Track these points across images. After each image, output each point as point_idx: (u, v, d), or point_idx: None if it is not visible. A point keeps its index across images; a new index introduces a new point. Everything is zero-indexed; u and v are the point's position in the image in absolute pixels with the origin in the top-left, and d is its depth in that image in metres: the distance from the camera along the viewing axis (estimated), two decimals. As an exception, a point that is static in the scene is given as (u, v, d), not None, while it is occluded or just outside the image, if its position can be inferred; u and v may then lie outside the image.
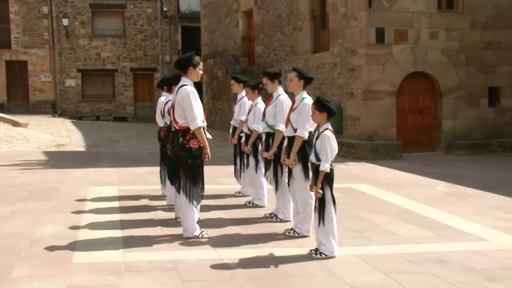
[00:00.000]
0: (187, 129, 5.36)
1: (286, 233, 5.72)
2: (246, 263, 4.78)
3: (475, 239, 5.77)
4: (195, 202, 5.46)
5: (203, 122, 5.40)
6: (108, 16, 27.67)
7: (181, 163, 5.45)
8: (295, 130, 5.55)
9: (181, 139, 5.37)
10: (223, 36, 21.63)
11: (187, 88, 5.36)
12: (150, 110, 27.20)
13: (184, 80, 5.45)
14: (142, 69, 28.07)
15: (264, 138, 6.55)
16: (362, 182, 9.15)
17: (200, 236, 5.51)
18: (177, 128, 5.45)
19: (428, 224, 6.35)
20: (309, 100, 5.54)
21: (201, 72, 5.57)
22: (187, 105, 5.30)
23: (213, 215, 6.55)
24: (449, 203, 7.56)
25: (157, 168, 7.56)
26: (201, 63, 5.60)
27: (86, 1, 27.18)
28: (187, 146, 5.36)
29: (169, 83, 6.83)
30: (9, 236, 5.52)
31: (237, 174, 7.75)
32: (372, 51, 12.67)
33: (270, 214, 6.48)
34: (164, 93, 7.05)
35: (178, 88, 5.42)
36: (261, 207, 7.04)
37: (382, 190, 8.46)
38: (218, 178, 9.13)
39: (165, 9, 27.92)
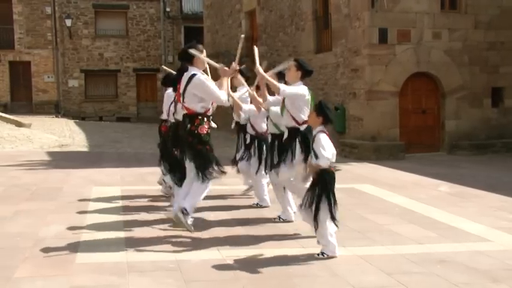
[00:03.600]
0: (195, 115, 5.38)
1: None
2: (249, 264, 4.78)
3: (478, 239, 5.76)
4: (208, 179, 5.46)
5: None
6: (111, 16, 27.72)
7: (191, 150, 5.43)
8: (293, 119, 5.62)
9: (189, 125, 5.38)
10: (226, 37, 21.64)
11: (200, 76, 5.40)
12: (153, 110, 27.27)
13: (192, 69, 5.46)
14: (145, 70, 28.11)
15: (270, 139, 6.49)
16: (365, 183, 9.14)
17: (188, 222, 5.49)
18: (185, 113, 5.43)
19: (431, 224, 6.34)
20: (303, 88, 5.59)
21: (204, 60, 5.59)
22: (206, 89, 5.35)
23: (216, 216, 6.55)
24: (452, 204, 7.55)
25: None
26: (204, 50, 5.63)
27: (89, 2, 27.24)
28: (196, 132, 5.38)
29: (173, 81, 6.81)
30: (12, 236, 5.53)
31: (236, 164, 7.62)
32: (374, 52, 12.66)
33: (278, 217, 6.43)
34: (169, 89, 7.03)
35: (190, 77, 5.39)
36: (265, 207, 7.03)
37: (385, 190, 8.45)
38: (222, 179, 9.10)
39: (168, 9, 27.96)
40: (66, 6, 27.01)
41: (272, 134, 6.37)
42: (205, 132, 5.41)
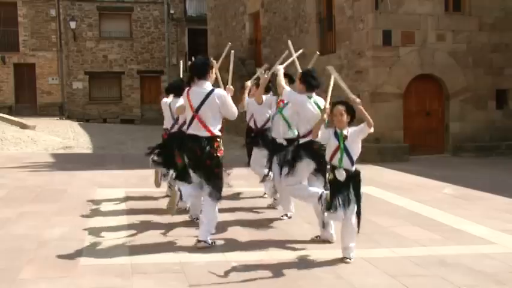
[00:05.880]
0: (215, 137, 5.32)
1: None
2: (253, 266, 4.78)
3: (483, 242, 5.75)
4: (218, 203, 5.44)
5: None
6: (115, 19, 27.78)
7: (208, 172, 5.35)
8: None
9: (208, 147, 5.29)
10: (229, 39, 21.62)
11: (220, 90, 5.43)
12: (157, 112, 27.10)
13: (206, 83, 5.39)
14: (149, 72, 28.15)
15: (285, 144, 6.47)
16: (369, 185, 9.10)
17: (212, 243, 5.42)
18: (203, 134, 5.32)
19: (435, 226, 6.33)
20: (300, 98, 5.66)
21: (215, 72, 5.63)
22: (225, 104, 5.34)
23: (221, 218, 6.50)
24: (456, 206, 7.53)
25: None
26: (215, 62, 5.66)
27: (93, 4, 27.30)
28: (215, 155, 5.32)
29: (179, 89, 6.83)
30: (17, 237, 5.54)
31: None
32: (378, 54, 12.65)
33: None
34: (169, 97, 7.04)
35: (210, 92, 5.32)
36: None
37: (389, 193, 8.44)
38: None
39: (171, 11, 28.00)
40: (71, 8, 27.09)
41: (287, 140, 6.35)
42: (222, 154, 5.39)
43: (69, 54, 27.24)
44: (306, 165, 5.54)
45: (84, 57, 27.42)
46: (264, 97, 6.82)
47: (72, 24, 26.69)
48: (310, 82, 5.72)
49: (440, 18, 13.06)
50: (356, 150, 5.00)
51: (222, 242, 5.51)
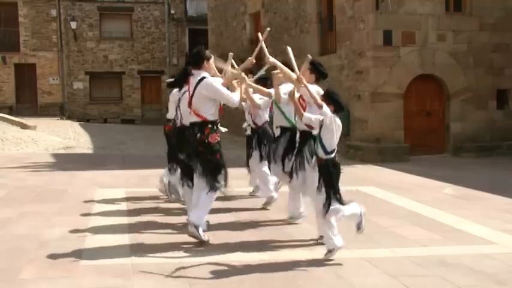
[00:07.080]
0: (205, 123, 5.28)
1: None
2: (253, 266, 4.78)
3: (483, 242, 5.74)
4: (216, 189, 5.34)
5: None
6: (115, 19, 27.80)
7: (201, 160, 5.33)
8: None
9: (199, 134, 5.27)
10: (230, 39, 21.66)
11: (209, 78, 5.32)
12: (158, 112, 27.27)
13: (201, 73, 5.36)
14: (149, 72, 28.16)
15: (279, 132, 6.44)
16: (370, 185, 9.13)
17: (201, 233, 5.34)
18: (194, 120, 5.32)
19: (436, 226, 6.33)
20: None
21: (213, 65, 5.54)
22: (216, 90, 5.24)
23: (221, 218, 6.54)
24: (457, 206, 7.53)
25: (164, 171, 7.56)
26: (212, 56, 5.53)
27: (94, 4, 27.33)
28: (206, 141, 5.26)
29: (179, 82, 6.83)
30: (17, 237, 5.54)
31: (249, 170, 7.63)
32: (379, 54, 12.65)
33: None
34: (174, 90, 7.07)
35: (200, 80, 5.29)
36: (272, 197, 7.04)
37: (390, 193, 8.43)
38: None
39: (172, 12, 28.01)
40: (71, 8, 27.11)
41: (282, 127, 6.33)
42: (216, 140, 5.30)
43: (69, 54, 27.26)
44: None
45: (85, 58, 27.44)
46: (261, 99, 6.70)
47: (73, 25, 26.72)
48: (322, 71, 5.68)
49: (440, 18, 13.06)
50: (327, 138, 4.89)
51: (207, 240, 5.45)
